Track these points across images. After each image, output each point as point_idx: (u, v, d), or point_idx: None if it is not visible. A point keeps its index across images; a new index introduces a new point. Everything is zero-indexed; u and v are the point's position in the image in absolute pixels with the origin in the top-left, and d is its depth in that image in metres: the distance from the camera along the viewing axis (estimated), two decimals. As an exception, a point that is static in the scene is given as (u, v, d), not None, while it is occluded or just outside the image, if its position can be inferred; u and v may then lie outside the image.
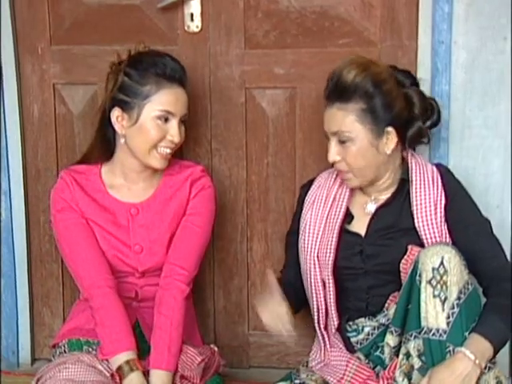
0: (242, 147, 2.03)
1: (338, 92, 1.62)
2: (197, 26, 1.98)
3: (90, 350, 1.72)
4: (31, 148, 2.09)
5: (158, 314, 1.70)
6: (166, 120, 1.71)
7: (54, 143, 2.08)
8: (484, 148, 1.91)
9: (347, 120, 1.61)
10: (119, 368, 1.63)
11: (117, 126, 1.73)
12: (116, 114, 1.73)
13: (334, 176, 1.76)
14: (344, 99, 1.61)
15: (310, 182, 1.81)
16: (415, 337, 1.50)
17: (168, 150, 1.73)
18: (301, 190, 1.84)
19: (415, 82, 1.73)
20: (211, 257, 2.08)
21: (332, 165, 1.70)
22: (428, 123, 1.72)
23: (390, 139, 1.63)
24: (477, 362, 1.43)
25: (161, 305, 1.71)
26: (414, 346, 1.50)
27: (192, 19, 1.97)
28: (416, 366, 1.51)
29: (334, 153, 1.65)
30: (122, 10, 2.00)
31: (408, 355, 1.52)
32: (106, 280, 1.72)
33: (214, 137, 2.03)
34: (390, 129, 1.63)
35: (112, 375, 1.62)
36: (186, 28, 1.98)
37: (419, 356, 1.50)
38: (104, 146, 1.79)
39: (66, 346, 1.75)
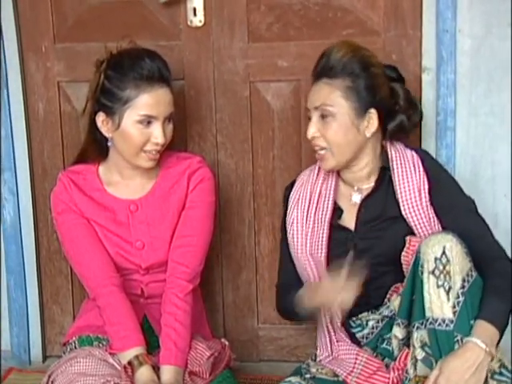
0: (248, 141, 2.03)
1: (326, 69, 1.64)
2: (200, 21, 1.98)
3: (101, 345, 1.72)
4: (37, 146, 2.09)
5: (163, 313, 1.71)
6: (149, 123, 1.68)
7: (59, 141, 2.08)
8: (491, 136, 1.90)
9: (332, 95, 1.62)
10: (129, 363, 1.63)
11: (103, 130, 1.73)
12: (101, 118, 1.72)
13: (317, 172, 1.75)
14: (331, 75, 1.63)
15: (292, 183, 1.80)
16: (418, 328, 1.49)
17: (154, 152, 1.71)
18: (284, 192, 1.82)
19: (401, 79, 1.74)
20: (219, 251, 2.08)
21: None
22: (411, 120, 1.71)
23: (372, 123, 1.64)
24: (487, 349, 1.43)
25: (164, 303, 1.71)
26: (416, 336, 1.49)
27: (195, 14, 1.97)
28: (419, 357, 1.49)
29: (313, 128, 1.65)
30: (125, 6, 2.00)
31: (413, 347, 1.51)
32: (111, 278, 1.72)
33: (220, 131, 2.03)
34: (372, 110, 1.63)
35: (125, 367, 1.63)
36: (188, 23, 1.98)
37: (422, 347, 1.49)
38: (97, 147, 1.78)
39: (76, 342, 1.76)
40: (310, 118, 1.68)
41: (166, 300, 1.71)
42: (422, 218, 1.62)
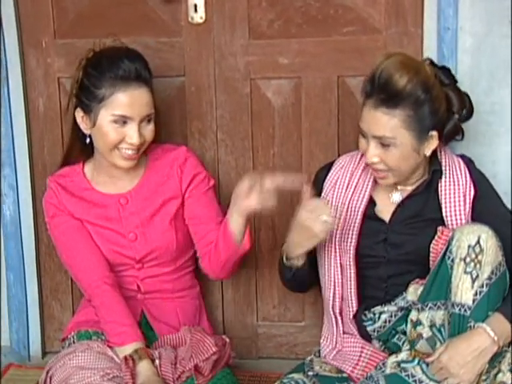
0: (248, 138, 2.02)
1: (386, 96, 1.55)
2: (201, 17, 1.97)
3: (99, 340, 1.72)
4: (37, 142, 2.09)
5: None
6: (124, 123, 1.68)
7: (59, 137, 2.08)
8: (491, 134, 1.89)
9: (392, 125, 1.56)
10: (129, 355, 1.63)
11: (82, 127, 1.74)
12: (80, 114, 1.73)
13: (358, 159, 1.73)
14: (392, 104, 1.55)
15: (329, 166, 1.77)
16: (430, 308, 1.52)
17: (130, 152, 1.71)
18: (318, 173, 1.78)
19: (454, 80, 1.71)
20: (219, 248, 2.08)
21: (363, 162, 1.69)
22: (460, 117, 1.69)
23: (432, 142, 1.62)
24: (495, 339, 1.45)
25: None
26: (427, 316, 1.53)
27: (196, 10, 1.97)
28: (425, 336, 1.53)
29: (373, 154, 1.60)
30: (126, 2, 2.00)
31: (417, 324, 1.54)
32: (104, 278, 1.73)
33: (220, 128, 2.03)
34: (433, 133, 1.61)
35: (125, 359, 1.62)
36: (189, 19, 1.98)
37: (431, 327, 1.52)
38: (79, 145, 1.79)
39: (74, 337, 1.76)
40: (363, 136, 1.62)
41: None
42: (461, 224, 1.61)
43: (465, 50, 1.86)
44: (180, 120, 2.03)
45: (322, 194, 1.74)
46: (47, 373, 1.67)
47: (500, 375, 1.50)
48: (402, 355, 1.54)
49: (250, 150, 2.03)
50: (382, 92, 1.55)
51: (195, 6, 1.96)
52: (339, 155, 1.92)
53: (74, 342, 1.74)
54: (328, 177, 1.74)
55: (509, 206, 1.85)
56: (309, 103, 1.98)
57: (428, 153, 1.62)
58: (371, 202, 1.69)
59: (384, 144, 1.59)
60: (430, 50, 1.89)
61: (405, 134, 1.57)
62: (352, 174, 1.71)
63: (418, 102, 1.56)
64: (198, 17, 1.97)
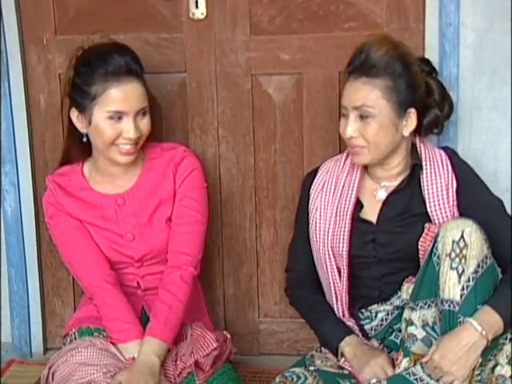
0: (249, 134, 2.02)
1: (365, 67, 1.60)
2: (202, 13, 1.97)
3: (101, 336, 1.72)
4: (38, 139, 2.09)
5: (161, 290, 1.71)
6: (120, 118, 1.67)
7: (60, 133, 2.07)
8: (493, 130, 1.89)
9: (373, 95, 1.59)
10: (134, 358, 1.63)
11: (78, 126, 1.73)
12: (75, 114, 1.73)
13: (342, 163, 1.74)
14: (371, 74, 1.59)
15: (314, 171, 1.79)
16: (421, 307, 1.52)
17: (128, 146, 1.70)
18: (306, 179, 1.81)
19: (434, 71, 1.74)
20: (220, 245, 2.08)
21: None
22: (444, 113, 1.72)
23: (410, 122, 1.63)
24: (483, 333, 1.45)
25: (166, 283, 1.71)
26: (419, 315, 1.52)
27: (197, 6, 1.96)
28: (419, 337, 1.52)
29: (352, 128, 1.62)
30: (126, -2, 2.00)
31: (410, 323, 1.54)
32: (105, 276, 1.73)
33: (221, 124, 2.03)
34: (412, 110, 1.63)
35: (133, 359, 1.62)
36: (190, 15, 1.97)
37: (423, 327, 1.52)
38: (77, 144, 1.78)
39: (76, 333, 1.77)
40: (344, 114, 1.65)
41: (167, 280, 1.71)
42: (447, 217, 1.62)
43: (466, 46, 1.86)
44: (181, 116, 2.03)
45: (310, 200, 1.75)
46: (49, 369, 1.67)
47: (498, 368, 1.50)
48: (404, 364, 1.53)
49: (251, 146, 2.03)
50: (363, 64, 1.60)
51: (196, 1, 1.96)
52: (340, 151, 1.92)
53: (75, 338, 1.75)
54: (314, 182, 1.76)
55: (509, 203, 1.85)
56: (310, 99, 1.98)
57: (406, 133, 1.63)
58: (358, 204, 1.70)
59: (363, 116, 1.60)
60: (431, 46, 1.89)
61: (384, 104, 1.60)
62: (338, 178, 1.72)
63: (396, 73, 1.60)
64: (199, 13, 1.97)
